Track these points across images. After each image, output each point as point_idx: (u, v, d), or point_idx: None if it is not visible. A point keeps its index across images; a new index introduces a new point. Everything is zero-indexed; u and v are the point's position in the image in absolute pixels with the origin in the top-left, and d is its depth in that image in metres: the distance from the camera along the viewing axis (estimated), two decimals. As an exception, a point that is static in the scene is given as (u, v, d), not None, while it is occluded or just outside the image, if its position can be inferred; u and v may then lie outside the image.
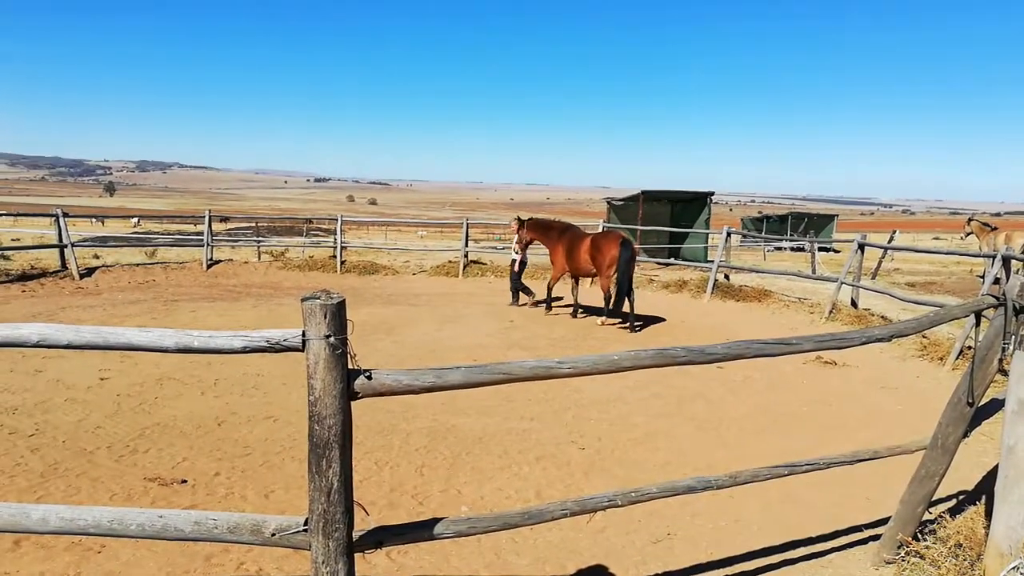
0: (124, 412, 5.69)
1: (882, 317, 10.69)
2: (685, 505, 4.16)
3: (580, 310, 11.38)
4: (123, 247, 18.70)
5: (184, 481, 4.38)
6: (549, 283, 11.59)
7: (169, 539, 2.19)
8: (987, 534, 3.06)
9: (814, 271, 16.69)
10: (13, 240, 21.36)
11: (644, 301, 12.32)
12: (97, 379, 6.59)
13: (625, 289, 10.08)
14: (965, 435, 3.22)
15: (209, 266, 15.93)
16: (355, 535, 2.17)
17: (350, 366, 2.05)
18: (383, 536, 2.31)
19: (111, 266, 15.08)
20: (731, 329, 10.30)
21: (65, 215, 14.54)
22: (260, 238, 21.22)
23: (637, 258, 11.89)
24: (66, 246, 14.12)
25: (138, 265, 15.52)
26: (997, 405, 3.35)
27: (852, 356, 8.15)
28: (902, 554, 3.37)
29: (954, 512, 3.74)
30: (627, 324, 10.28)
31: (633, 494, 2.76)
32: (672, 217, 23.80)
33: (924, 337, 8.80)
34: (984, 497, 3.48)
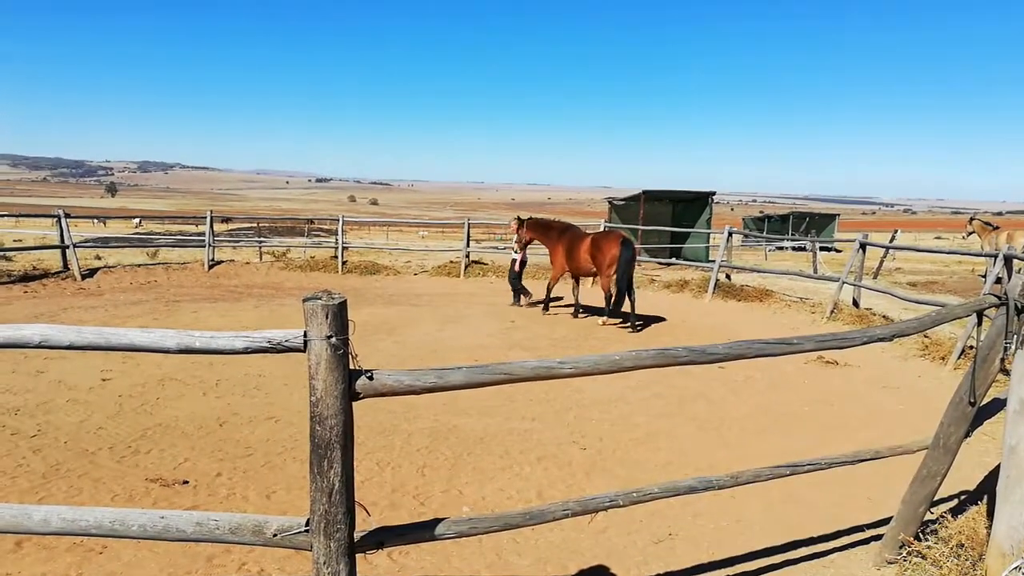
0: (126, 413, 5.70)
1: (884, 317, 10.68)
2: (687, 505, 4.16)
3: (581, 310, 11.38)
4: (125, 248, 18.72)
5: (186, 482, 4.39)
6: (549, 283, 11.58)
7: (171, 540, 2.19)
8: (989, 534, 3.06)
9: (816, 271, 16.67)
10: (15, 241, 21.40)
11: (645, 301, 12.32)
12: (99, 380, 6.60)
13: (624, 288, 10.08)
14: (967, 435, 3.22)
15: (211, 267, 15.94)
16: (356, 536, 2.18)
17: (352, 367, 2.05)
18: (384, 537, 2.31)
19: (113, 267, 15.10)
20: (732, 329, 10.29)
21: (67, 216, 14.56)
22: (262, 239, 21.24)
23: (638, 258, 11.89)
24: (68, 247, 14.15)
25: (140, 266, 15.54)
26: (999, 405, 3.35)
27: (854, 356, 8.14)
28: (904, 554, 3.37)
29: (956, 512, 3.73)
30: (628, 324, 10.28)
31: (635, 494, 2.76)
32: (673, 217, 23.79)
33: (926, 337, 8.79)
34: (986, 497, 3.48)
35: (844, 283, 11.03)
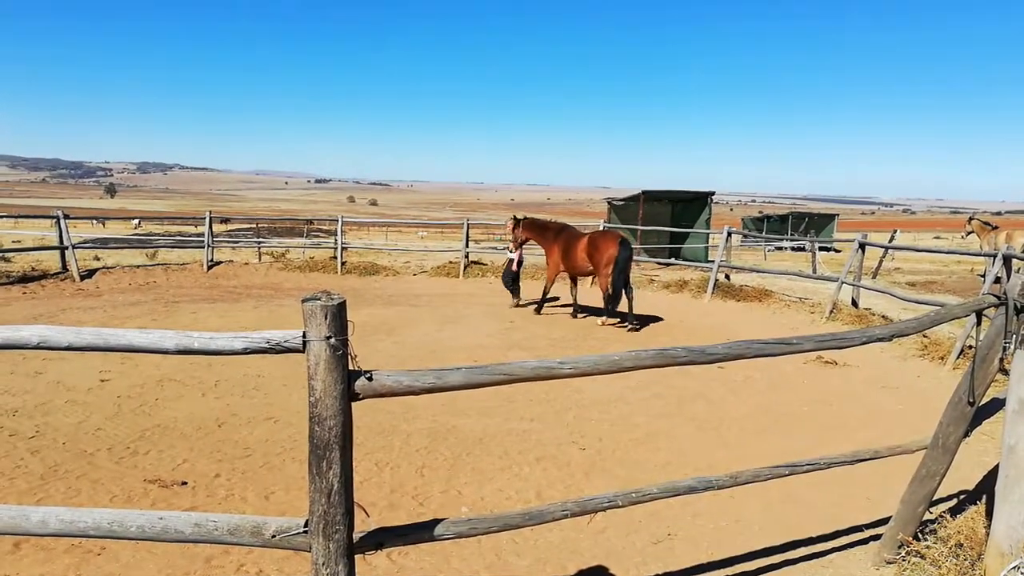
0: (124, 414, 5.69)
1: (883, 317, 10.69)
2: (686, 505, 4.16)
3: (580, 310, 11.38)
4: (124, 249, 18.70)
5: (184, 483, 4.38)
6: (545, 285, 11.56)
7: (169, 541, 2.19)
8: (988, 534, 3.06)
9: (815, 271, 16.69)
10: (14, 242, 21.38)
11: (645, 301, 12.32)
12: (98, 381, 6.59)
13: (621, 288, 10.08)
14: (966, 435, 3.22)
15: (210, 267, 15.93)
16: (355, 536, 2.17)
17: (351, 367, 2.05)
18: (384, 537, 2.31)
19: (112, 268, 15.09)
20: (732, 329, 10.30)
21: (66, 217, 14.55)
22: (261, 239, 21.23)
23: (638, 258, 11.88)
24: (67, 248, 14.13)
25: (139, 267, 15.53)
26: (998, 404, 3.35)
27: (853, 356, 8.15)
28: (903, 554, 3.37)
29: (955, 512, 3.73)
30: (627, 324, 10.27)
31: (634, 495, 2.76)
32: (673, 217, 23.80)
33: (925, 336, 8.80)
34: (985, 497, 3.48)
35: (843, 283, 11.03)
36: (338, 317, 1.97)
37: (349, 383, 2.05)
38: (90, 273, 14.27)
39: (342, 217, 17.38)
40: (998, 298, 3.03)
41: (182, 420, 5.58)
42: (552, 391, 6.50)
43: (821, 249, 24.72)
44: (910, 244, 29.30)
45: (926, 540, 3.37)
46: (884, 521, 3.65)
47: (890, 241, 18.21)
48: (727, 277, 14.65)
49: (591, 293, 12.54)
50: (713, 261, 14.50)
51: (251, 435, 5.31)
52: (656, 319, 11.19)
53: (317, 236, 30.35)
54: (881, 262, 18.48)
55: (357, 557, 2.20)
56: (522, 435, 5.50)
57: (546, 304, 11.60)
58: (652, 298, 13.44)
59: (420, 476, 4.65)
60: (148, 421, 5.53)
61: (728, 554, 3.69)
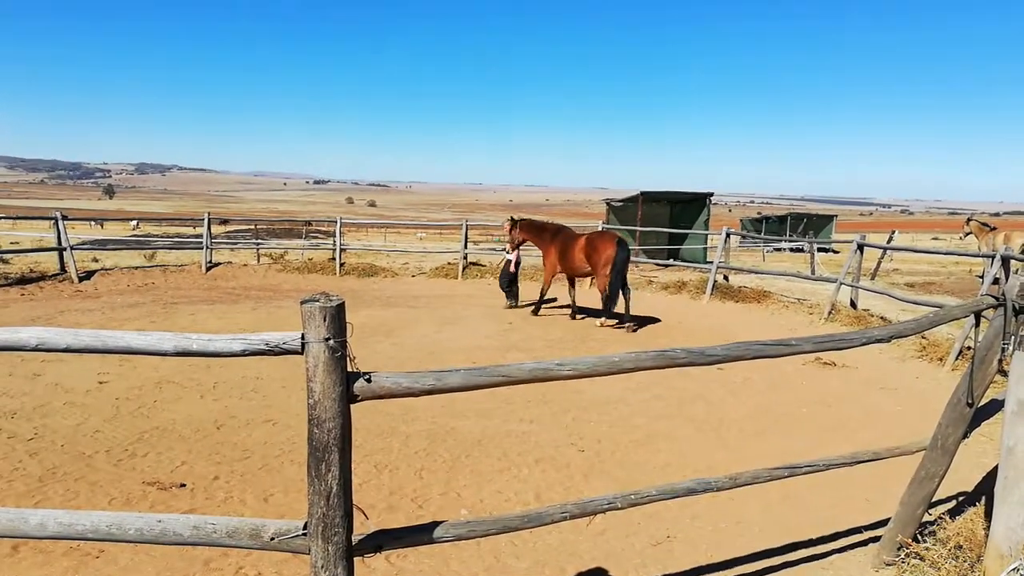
0: (123, 416, 5.68)
1: (881, 318, 10.70)
2: (685, 507, 4.16)
3: (578, 311, 11.38)
4: (122, 250, 18.66)
5: (183, 485, 4.37)
6: (542, 286, 11.55)
7: (168, 544, 2.18)
8: (987, 535, 3.06)
9: (813, 272, 16.70)
10: (12, 243, 21.34)
11: (643, 302, 12.33)
12: (96, 383, 6.58)
13: (618, 288, 10.08)
14: (965, 436, 3.22)
15: (208, 269, 15.92)
16: (354, 539, 2.17)
17: (349, 369, 2.05)
18: (382, 540, 2.30)
19: (110, 269, 15.07)
20: (730, 330, 10.30)
21: (64, 218, 14.53)
22: (259, 240, 21.21)
23: (637, 259, 11.88)
24: (65, 249, 14.11)
25: (137, 268, 15.51)
26: (997, 406, 3.35)
27: (851, 357, 8.15)
28: (902, 556, 3.37)
29: (954, 513, 3.73)
30: (624, 325, 10.27)
31: (633, 496, 2.75)
32: (671, 218, 23.82)
33: (923, 338, 8.80)
34: (984, 498, 3.48)
35: (842, 284, 11.04)
36: (337, 319, 1.96)
37: (348, 385, 2.04)
38: (88, 275, 14.25)
39: (341, 218, 17.37)
40: (996, 299, 3.03)
41: (180, 422, 5.57)
42: (551, 392, 6.50)
43: (819, 250, 24.74)
44: (908, 245, 29.33)
45: (925, 542, 3.36)
46: (883, 523, 3.65)
47: (888, 242, 18.23)
48: (726, 278, 14.65)
49: (590, 294, 12.54)
50: (712, 262, 14.51)
51: (250, 437, 5.30)
52: (655, 320, 11.19)
53: (316, 237, 30.32)
54: (880, 263, 18.49)
55: (356, 560, 2.19)
56: (521, 437, 5.50)
57: (544, 305, 11.59)
58: (651, 299, 13.44)
59: (419, 478, 4.65)
60: (146, 423, 5.52)
61: (727, 556, 3.69)
